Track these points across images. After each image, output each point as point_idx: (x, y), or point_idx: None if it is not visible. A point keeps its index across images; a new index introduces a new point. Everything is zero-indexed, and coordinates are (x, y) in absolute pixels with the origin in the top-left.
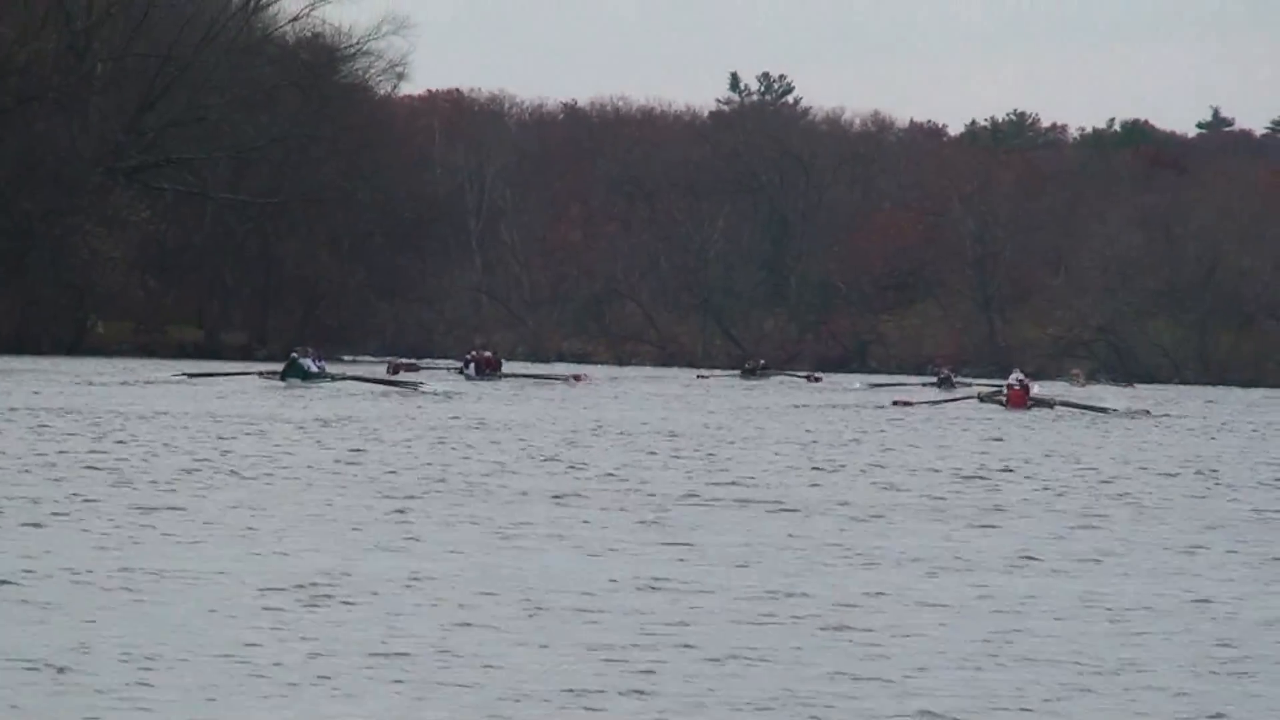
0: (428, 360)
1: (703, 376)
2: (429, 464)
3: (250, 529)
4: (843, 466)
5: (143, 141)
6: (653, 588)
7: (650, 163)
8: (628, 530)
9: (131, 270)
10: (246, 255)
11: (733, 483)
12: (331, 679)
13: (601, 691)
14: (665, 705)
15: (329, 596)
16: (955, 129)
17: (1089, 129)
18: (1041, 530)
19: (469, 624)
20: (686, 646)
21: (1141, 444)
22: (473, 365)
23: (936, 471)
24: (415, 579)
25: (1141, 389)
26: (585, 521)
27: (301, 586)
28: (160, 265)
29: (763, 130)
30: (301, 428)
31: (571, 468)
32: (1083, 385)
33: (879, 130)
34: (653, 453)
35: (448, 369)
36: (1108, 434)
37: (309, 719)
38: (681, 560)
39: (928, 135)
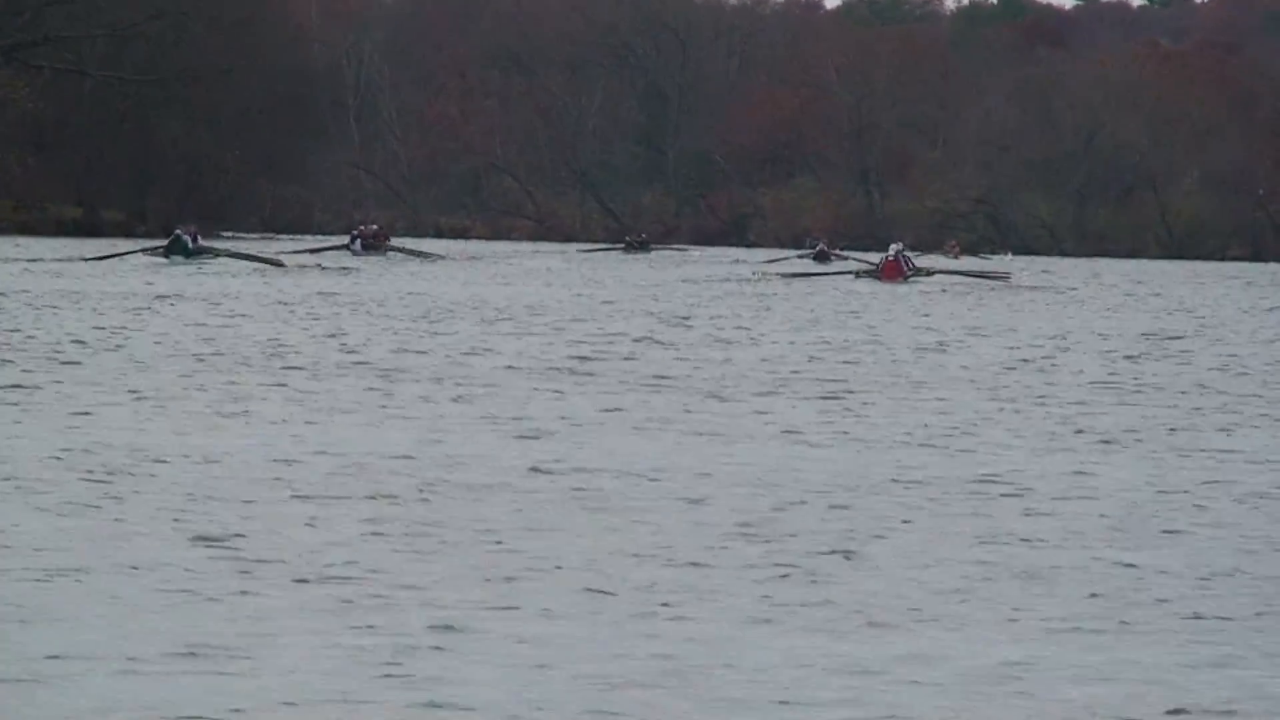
0: (316, 237)
1: (583, 251)
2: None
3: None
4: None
5: (20, 19)
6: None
7: (527, 37)
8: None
9: (9, 148)
10: (125, 133)
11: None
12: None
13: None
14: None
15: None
16: (832, 3)
17: (966, 2)
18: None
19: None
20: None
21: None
22: (358, 241)
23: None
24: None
25: (1013, 260)
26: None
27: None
28: (38, 143)
29: (639, 4)
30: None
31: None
32: (957, 257)
33: (755, 4)
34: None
35: (334, 246)
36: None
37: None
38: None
39: (804, 8)
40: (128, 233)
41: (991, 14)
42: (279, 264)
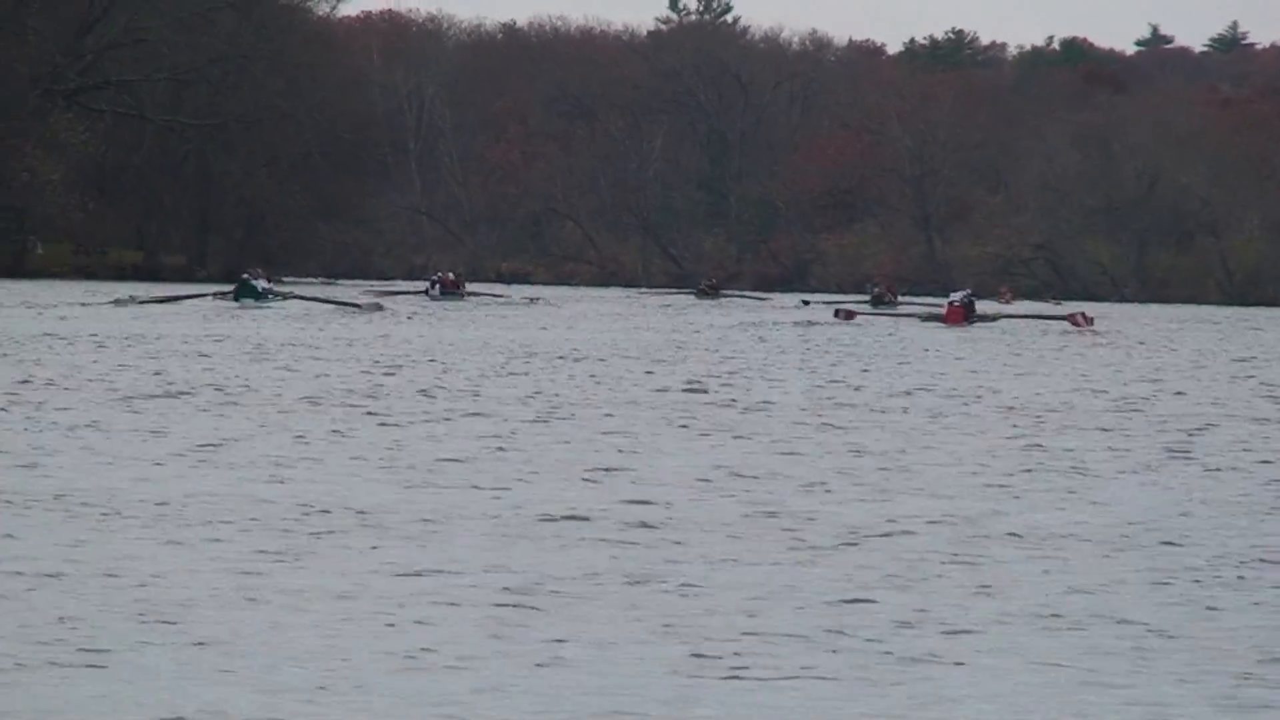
0: (397, 282)
1: (655, 295)
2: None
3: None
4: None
5: (81, 63)
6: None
7: (589, 82)
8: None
9: (70, 192)
10: (185, 176)
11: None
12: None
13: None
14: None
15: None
16: (894, 48)
17: (1027, 47)
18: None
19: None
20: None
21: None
22: (437, 286)
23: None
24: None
25: (1067, 306)
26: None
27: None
28: (99, 187)
29: (701, 49)
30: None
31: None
32: (1009, 303)
33: (817, 49)
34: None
35: (413, 290)
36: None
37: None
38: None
39: (866, 54)
40: (187, 277)
41: (1053, 59)
42: (356, 306)
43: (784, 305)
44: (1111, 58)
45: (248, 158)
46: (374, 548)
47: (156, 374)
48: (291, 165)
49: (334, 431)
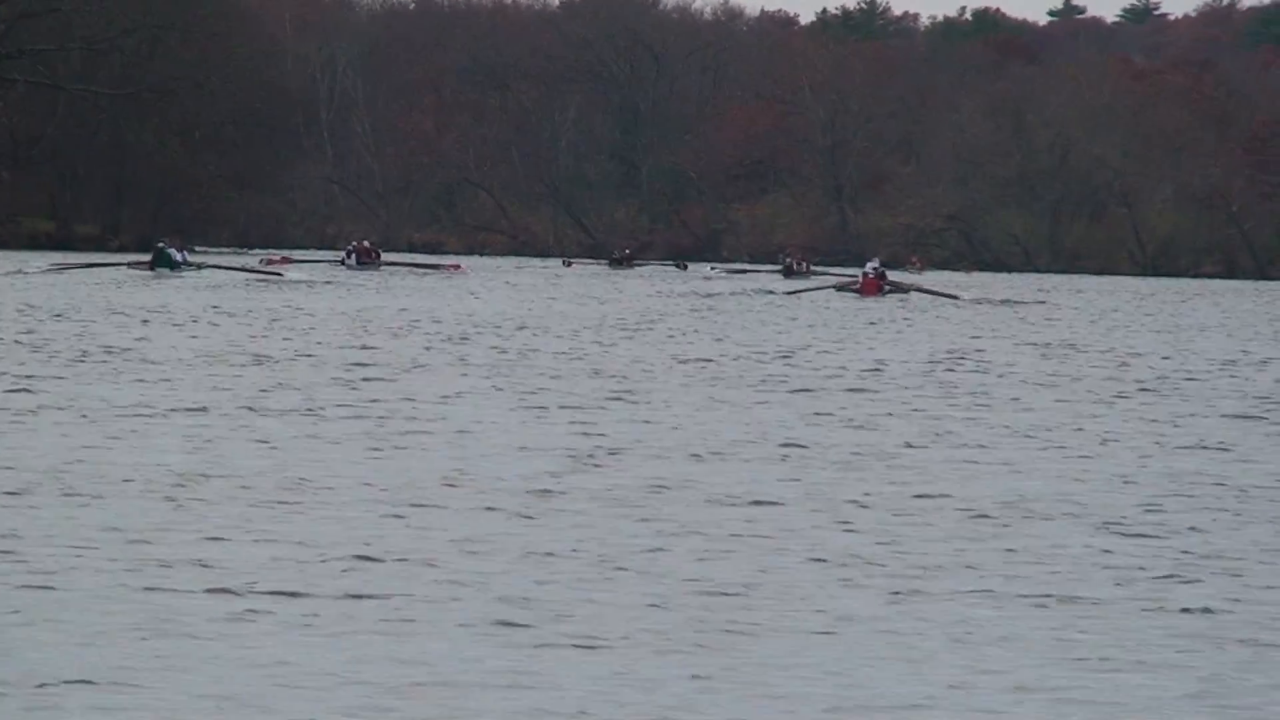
0: (311, 251)
1: (568, 263)
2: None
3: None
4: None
5: None
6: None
7: (502, 52)
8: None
9: None
10: (99, 146)
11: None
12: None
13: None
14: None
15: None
16: (806, 18)
17: (940, 18)
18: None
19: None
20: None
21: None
22: (354, 256)
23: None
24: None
25: (981, 276)
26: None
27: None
28: (13, 157)
29: (614, 19)
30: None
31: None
32: (919, 272)
33: (729, 19)
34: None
35: (329, 261)
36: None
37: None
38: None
39: (778, 24)
40: (101, 246)
41: (966, 30)
42: (276, 275)
43: (704, 274)
44: (1024, 28)
45: (161, 128)
46: (239, 514)
47: (74, 341)
48: (205, 135)
49: (238, 397)
